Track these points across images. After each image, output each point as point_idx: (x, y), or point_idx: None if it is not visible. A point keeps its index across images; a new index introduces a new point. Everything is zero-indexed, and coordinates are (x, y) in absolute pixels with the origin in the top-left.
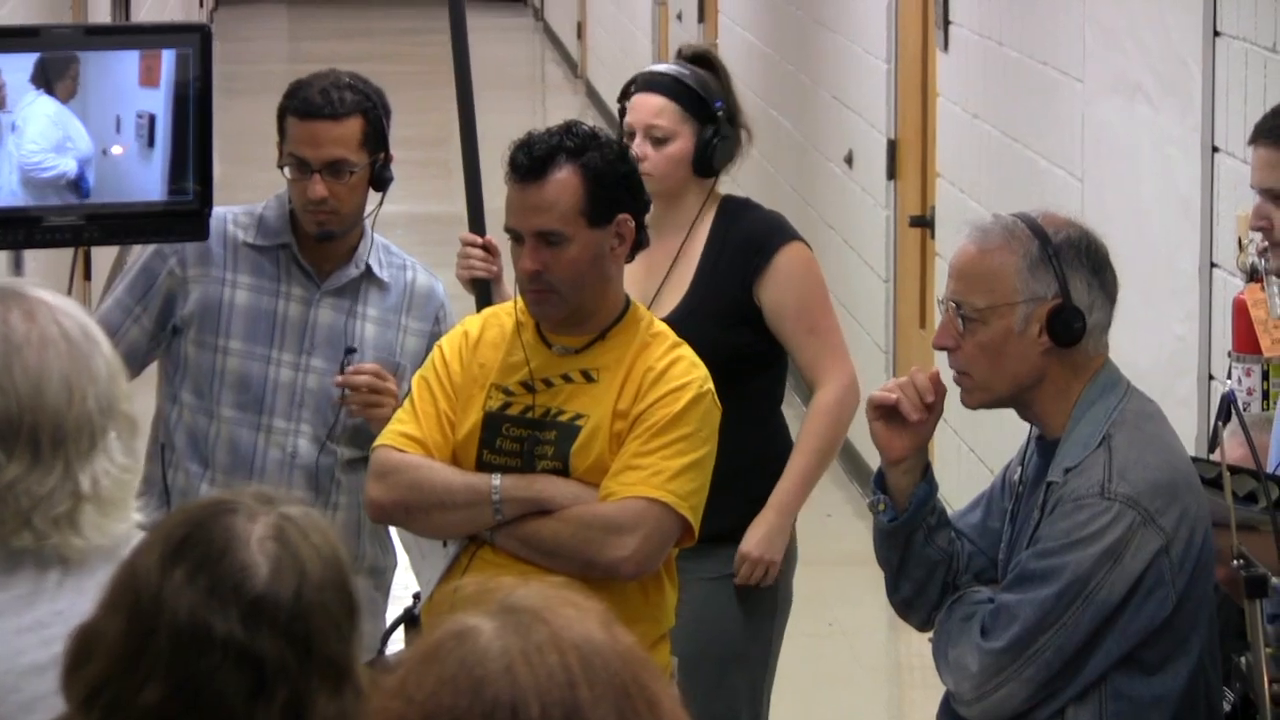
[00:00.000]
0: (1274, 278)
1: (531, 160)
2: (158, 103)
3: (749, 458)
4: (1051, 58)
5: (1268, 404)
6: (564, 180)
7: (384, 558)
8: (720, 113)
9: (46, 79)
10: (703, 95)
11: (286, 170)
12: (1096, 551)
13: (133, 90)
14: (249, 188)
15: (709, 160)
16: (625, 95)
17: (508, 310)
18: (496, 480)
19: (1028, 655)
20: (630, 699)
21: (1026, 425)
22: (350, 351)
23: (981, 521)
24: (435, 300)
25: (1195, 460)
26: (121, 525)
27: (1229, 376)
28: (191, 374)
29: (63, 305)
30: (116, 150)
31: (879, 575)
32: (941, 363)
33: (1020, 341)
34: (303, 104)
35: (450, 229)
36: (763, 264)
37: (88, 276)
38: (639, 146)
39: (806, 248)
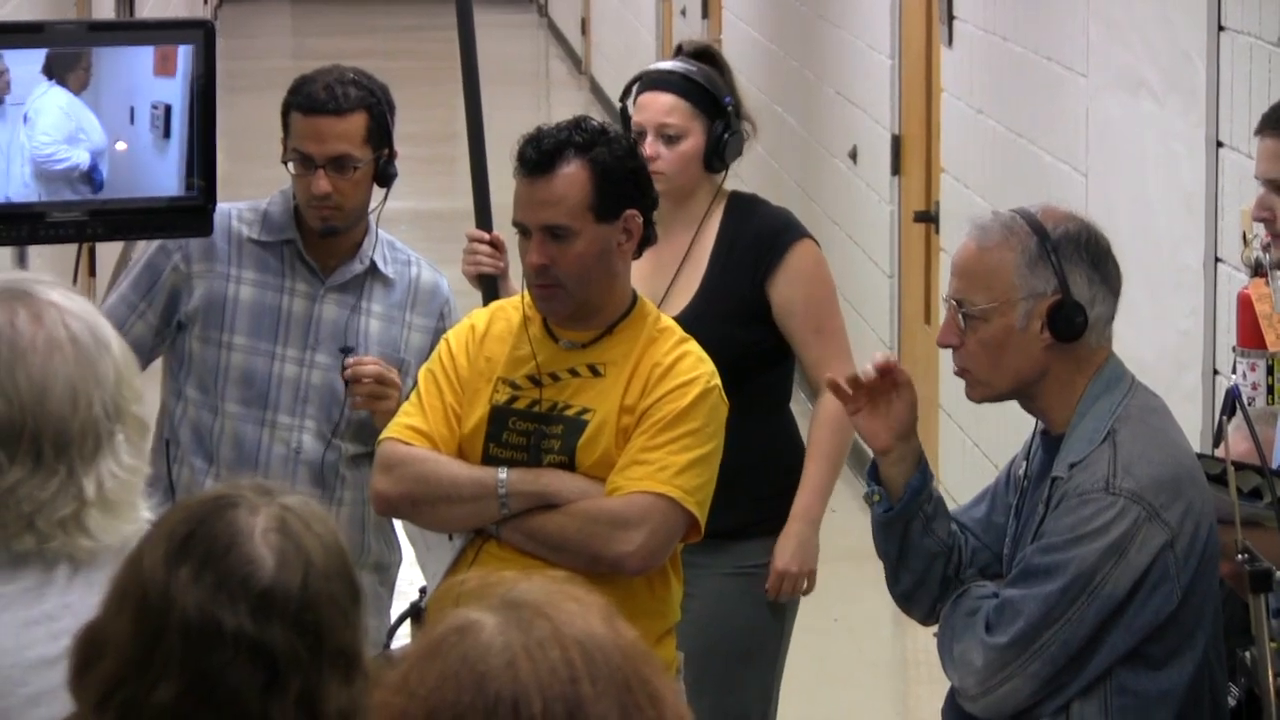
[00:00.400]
0: (1279, 272)
1: (540, 154)
2: (173, 93)
3: (758, 454)
4: (1056, 53)
5: (1272, 398)
6: (572, 175)
7: (389, 553)
8: (730, 107)
9: (59, 70)
10: (712, 91)
11: (291, 166)
12: (1101, 546)
13: (147, 80)
14: (253, 184)
15: (721, 156)
16: (629, 94)
17: (515, 304)
18: (503, 474)
19: (1032, 650)
20: (632, 693)
21: (1031, 420)
22: (348, 350)
23: (986, 516)
24: (440, 296)
25: (1200, 455)
26: (130, 526)
27: (1234, 371)
28: (196, 369)
29: (72, 306)
30: (121, 147)
31: (883, 570)
32: (946, 360)
33: (1022, 338)
34: (307, 99)
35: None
36: (775, 260)
37: (92, 272)
38: (651, 146)
39: (817, 246)
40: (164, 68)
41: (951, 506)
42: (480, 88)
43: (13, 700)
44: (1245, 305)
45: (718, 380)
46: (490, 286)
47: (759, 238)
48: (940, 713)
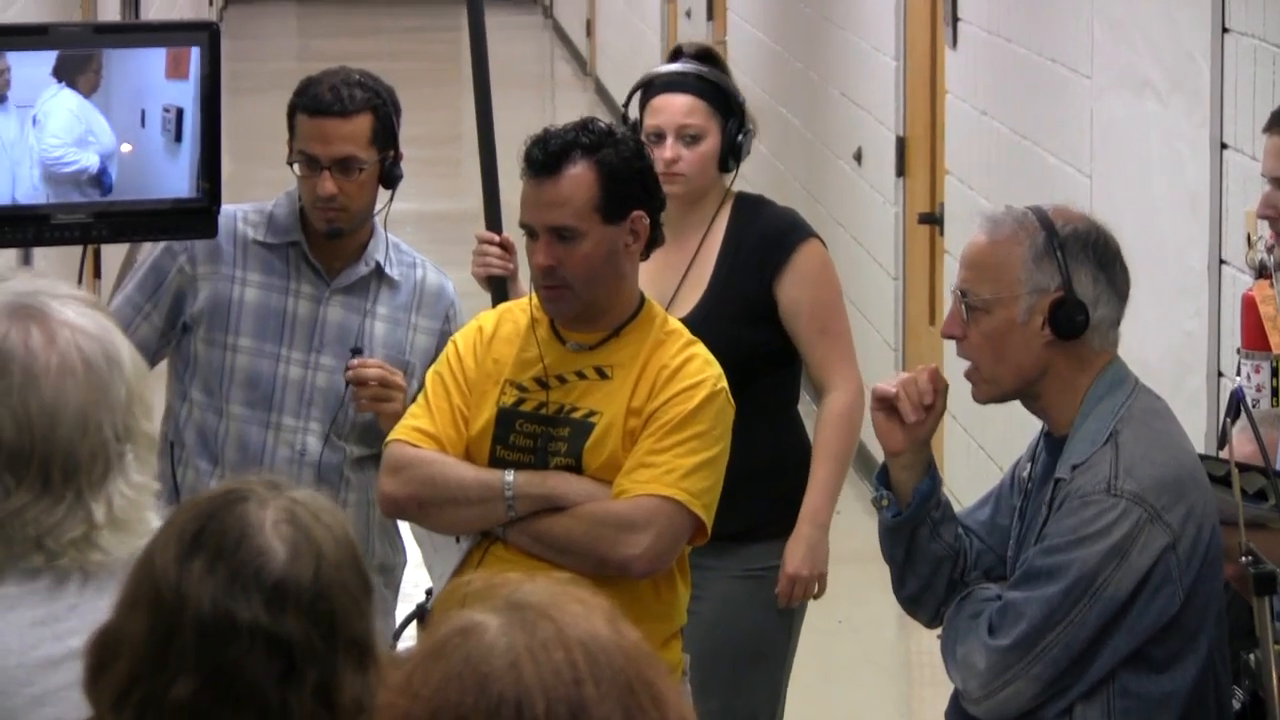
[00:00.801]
0: None
1: (546, 155)
2: (186, 96)
3: (765, 456)
4: (1060, 54)
5: (1277, 400)
6: (578, 176)
7: (394, 555)
8: (743, 106)
9: (69, 73)
10: (726, 91)
11: (296, 167)
12: (1103, 548)
13: (159, 83)
14: (259, 185)
15: (736, 155)
16: (642, 98)
17: (522, 306)
18: (509, 477)
19: (1035, 653)
20: (635, 695)
21: (1036, 423)
22: (358, 351)
23: (990, 518)
24: (445, 298)
25: (1204, 458)
26: (141, 540)
27: (1238, 373)
28: (201, 371)
29: (86, 324)
30: (126, 149)
31: (888, 572)
32: (951, 362)
33: (1023, 333)
34: (312, 101)
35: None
36: (782, 261)
37: (97, 274)
38: (672, 148)
39: (823, 246)
40: (176, 71)
41: (956, 509)
42: (491, 90)
43: (18, 700)
44: (1249, 307)
45: (725, 383)
46: (500, 288)
47: (765, 238)
48: (944, 715)
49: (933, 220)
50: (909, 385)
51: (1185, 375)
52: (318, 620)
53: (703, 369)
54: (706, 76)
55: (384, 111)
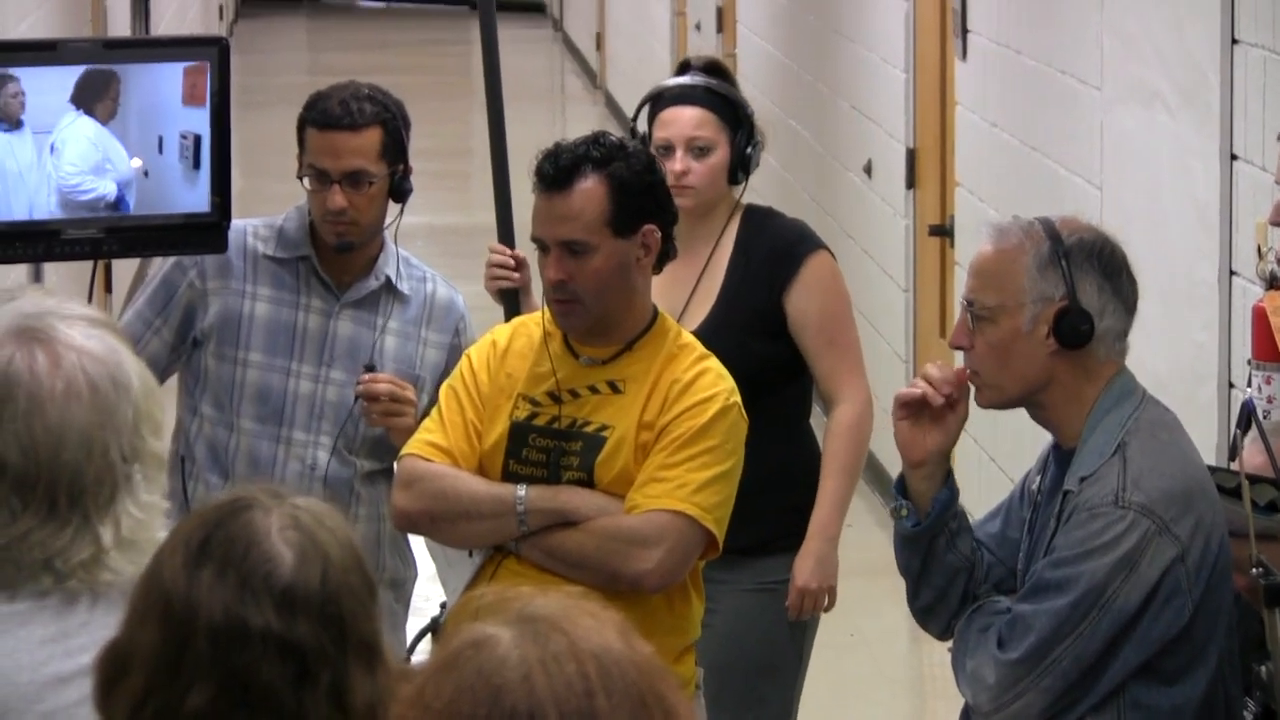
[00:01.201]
0: None
1: (557, 169)
2: (203, 122)
3: (777, 469)
4: (1070, 66)
5: None
6: (589, 190)
7: (404, 570)
8: (752, 118)
9: (87, 100)
10: (735, 103)
11: (306, 181)
12: (1111, 560)
13: (175, 109)
14: (269, 200)
15: (745, 168)
16: (650, 111)
17: (536, 320)
18: (521, 491)
19: (1045, 665)
20: (647, 709)
21: (1047, 435)
22: (370, 368)
23: (1000, 531)
24: (455, 312)
25: (1215, 469)
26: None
27: (1249, 384)
28: (211, 386)
29: (92, 347)
30: (136, 163)
31: (900, 585)
32: (960, 364)
33: (1028, 342)
34: (322, 115)
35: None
36: (791, 272)
37: (108, 288)
38: (681, 161)
39: (832, 258)
40: (193, 97)
41: (968, 517)
42: (503, 103)
43: (28, 717)
44: (1260, 318)
45: (737, 397)
46: (512, 302)
47: (774, 250)
48: None
49: (943, 232)
50: (924, 374)
51: (1196, 386)
52: (328, 623)
53: (715, 383)
54: (715, 89)
55: (393, 125)
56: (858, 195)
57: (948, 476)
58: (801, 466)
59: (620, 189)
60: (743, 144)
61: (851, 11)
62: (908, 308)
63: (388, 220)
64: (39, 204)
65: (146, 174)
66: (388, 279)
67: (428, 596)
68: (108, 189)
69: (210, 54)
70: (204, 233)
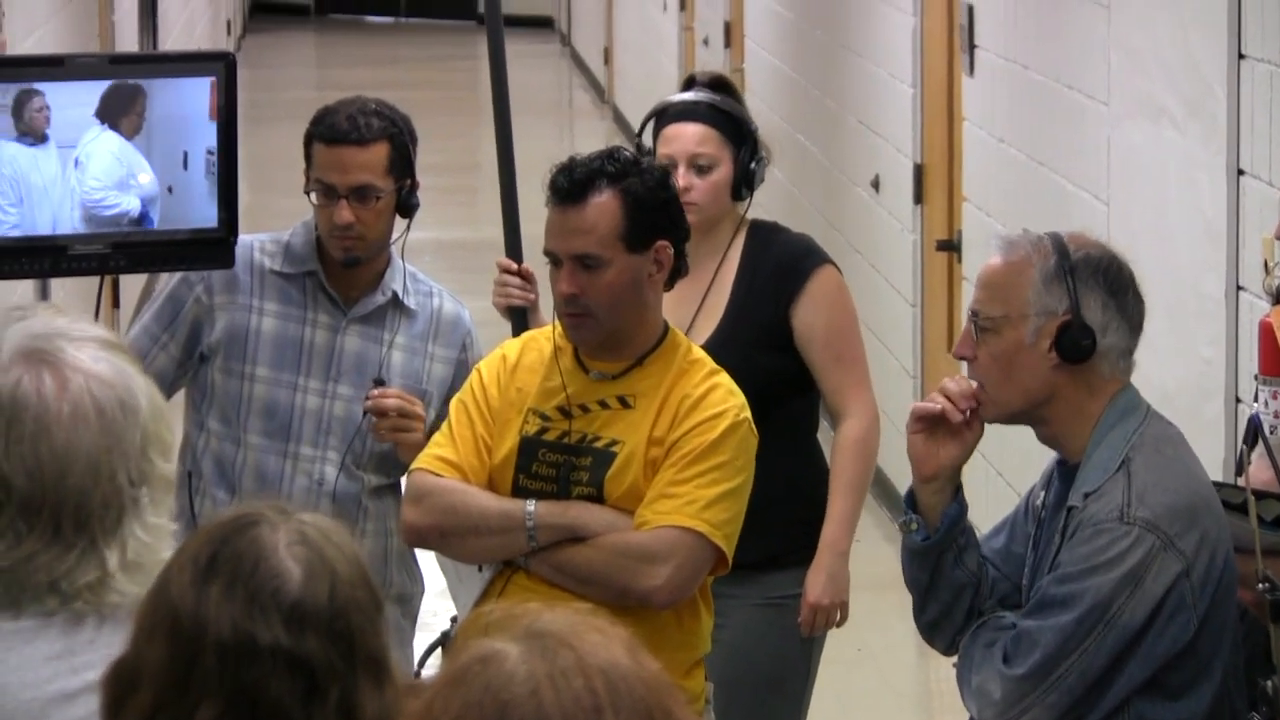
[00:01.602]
0: None
1: (571, 184)
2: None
3: (786, 483)
4: (1077, 81)
5: None
6: (603, 204)
7: (411, 585)
8: (756, 135)
9: (112, 114)
10: (739, 120)
11: (313, 196)
12: (1116, 576)
13: (202, 125)
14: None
15: (749, 184)
16: (655, 127)
17: (546, 335)
18: (531, 506)
19: (1050, 681)
20: None
21: (1053, 450)
22: (379, 383)
23: (1005, 546)
24: (462, 327)
25: (1221, 485)
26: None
27: (1256, 400)
28: (218, 401)
29: (100, 370)
30: (145, 179)
31: (908, 600)
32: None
33: (1030, 355)
34: (329, 130)
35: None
36: (797, 287)
37: (115, 303)
38: (684, 177)
39: (838, 273)
40: (218, 113)
41: (976, 533)
42: (511, 118)
43: None
44: (1267, 333)
45: (748, 413)
46: (520, 318)
47: (780, 265)
48: None
49: (950, 247)
50: (943, 389)
51: (1203, 402)
52: (336, 639)
53: (725, 399)
54: (719, 105)
55: (400, 140)
56: (865, 210)
57: (957, 492)
58: (809, 481)
59: (634, 204)
60: (746, 160)
61: (859, 27)
62: (915, 323)
63: (395, 235)
64: (62, 218)
65: (171, 190)
66: (395, 294)
67: (436, 611)
68: (131, 204)
69: (217, 69)
70: (211, 248)
